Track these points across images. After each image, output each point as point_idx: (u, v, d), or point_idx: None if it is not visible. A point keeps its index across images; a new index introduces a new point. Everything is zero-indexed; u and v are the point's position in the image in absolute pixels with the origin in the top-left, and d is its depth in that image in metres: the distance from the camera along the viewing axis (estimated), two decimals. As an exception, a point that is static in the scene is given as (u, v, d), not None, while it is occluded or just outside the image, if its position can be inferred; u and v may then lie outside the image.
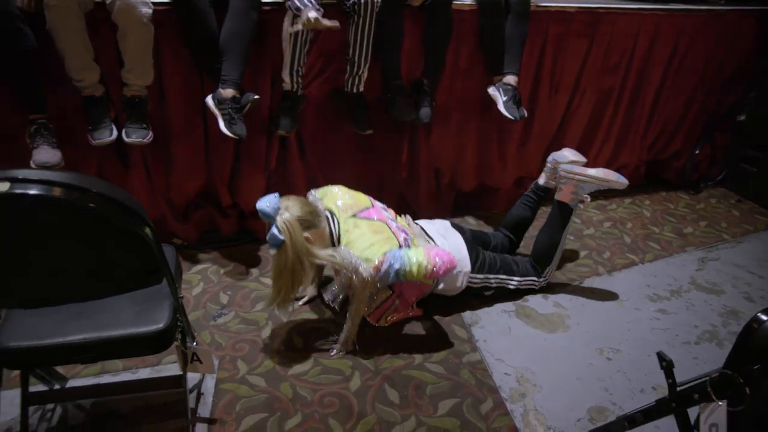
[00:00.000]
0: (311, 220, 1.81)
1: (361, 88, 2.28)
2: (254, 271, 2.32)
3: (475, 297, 2.18)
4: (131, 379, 1.77)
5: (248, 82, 2.15)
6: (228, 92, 2.04)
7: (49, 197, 1.03)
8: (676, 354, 1.96)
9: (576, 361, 1.93)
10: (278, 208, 1.74)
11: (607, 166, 3.10)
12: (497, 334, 2.04)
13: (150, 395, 1.71)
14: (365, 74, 2.24)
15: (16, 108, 1.93)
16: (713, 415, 1.16)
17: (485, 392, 1.79)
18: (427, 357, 1.92)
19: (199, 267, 2.33)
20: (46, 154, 1.91)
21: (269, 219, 1.74)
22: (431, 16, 2.30)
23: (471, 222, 2.81)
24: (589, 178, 2.16)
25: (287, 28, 2.06)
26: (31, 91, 1.91)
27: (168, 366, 1.82)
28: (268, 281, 2.25)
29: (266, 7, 2.12)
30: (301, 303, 2.13)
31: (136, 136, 2.01)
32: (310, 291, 2.16)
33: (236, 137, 2.02)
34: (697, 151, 3.28)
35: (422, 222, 2.22)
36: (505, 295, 2.21)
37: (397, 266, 1.75)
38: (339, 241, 1.86)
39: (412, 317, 2.08)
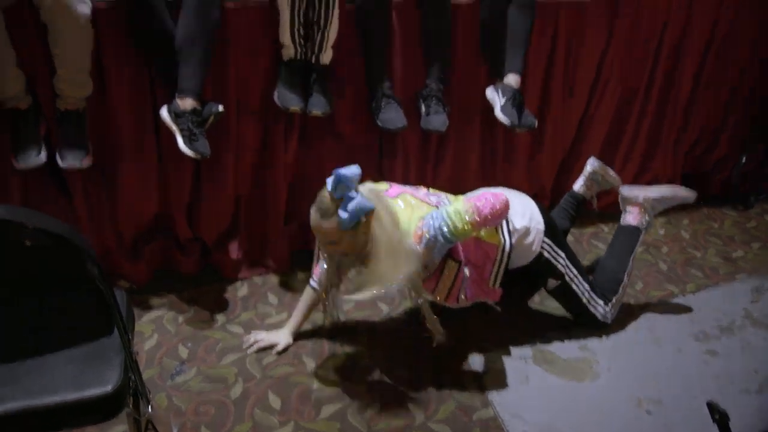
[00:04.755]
0: None
1: (326, 60, 2.29)
2: (219, 318, 2.31)
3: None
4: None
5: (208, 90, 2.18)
6: (187, 103, 2.07)
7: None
8: (733, 405, 1.92)
9: (609, 416, 1.94)
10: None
11: (636, 179, 3.19)
12: (513, 385, 2.05)
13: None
14: (334, 35, 2.25)
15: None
16: (780, 476, 1.17)
17: (502, 456, 1.79)
18: (431, 415, 1.92)
19: (153, 314, 2.32)
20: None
21: (346, 186, 1.76)
22: (427, 8, 2.37)
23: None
24: (658, 197, 2.40)
25: None
26: None
27: (114, 439, 1.80)
28: (236, 329, 2.26)
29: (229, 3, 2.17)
30: (275, 351, 2.14)
31: (73, 159, 2.01)
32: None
33: (198, 156, 2.05)
34: (745, 158, 3.35)
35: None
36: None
37: (437, 224, 1.82)
38: None
39: (490, 299, 2.10)
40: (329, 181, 1.77)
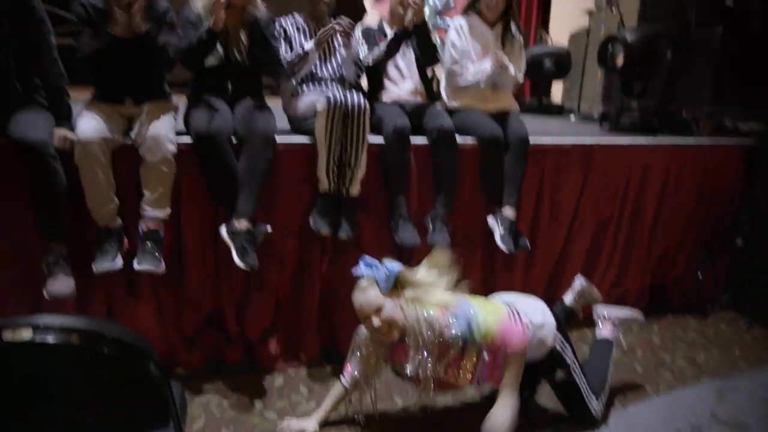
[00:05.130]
0: None
1: (355, 192, 2.33)
2: (258, 404, 2.23)
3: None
4: None
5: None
6: (242, 224, 2.11)
7: (68, 345, 1.04)
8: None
9: None
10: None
11: (611, 290, 3.14)
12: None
13: None
14: (362, 172, 2.31)
15: (36, 231, 1.98)
16: None
17: None
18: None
19: (203, 398, 2.24)
20: (60, 284, 1.93)
21: (374, 264, 1.81)
22: (437, 148, 2.46)
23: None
24: (623, 318, 2.43)
25: (319, 128, 2.19)
26: (56, 222, 1.97)
27: None
28: (272, 415, 2.17)
29: (280, 147, 2.26)
30: None
31: (148, 264, 2.02)
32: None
33: (248, 268, 2.06)
34: (699, 275, 3.30)
35: (493, 297, 2.18)
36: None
37: (466, 321, 1.76)
38: None
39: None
40: (360, 265, 1.82)
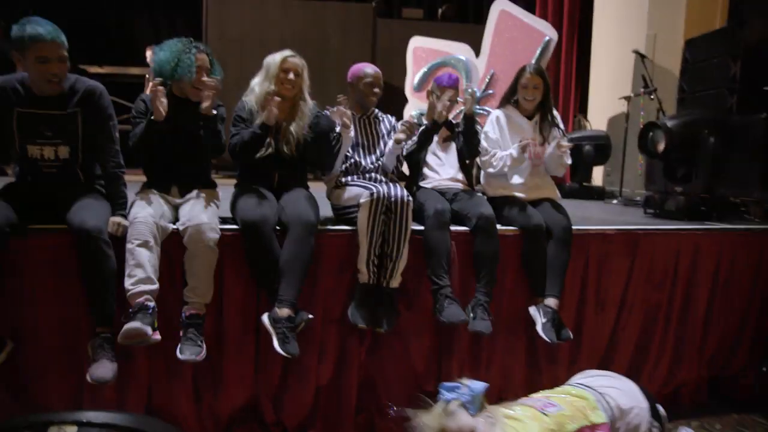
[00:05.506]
0: None
1: (395, 284, 2.32)
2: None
3: None
4: None
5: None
6: (284, 311, 2.11)
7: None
8: None
9: None
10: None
11: (665, 383, 2.95)
12: None
13: None
14: (403, 264, 2.30)
15: (86, 318, 2.05)
16: None
17: None
18: None
19: (236, 494, 2.16)
20: (103, 369, 1.96)
21: (453, 387, 1.70)
22: (478, 235, 2.45)
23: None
24: None
25: (362, 220, 2.24)
26: (105, 306, 2.03)
27: None
28: None
29: (323, 235, 2.30)
30: None
31: (190, 353, 2.04)
32: None
33: (289, 356, 2.04)
34: (764, 368, 3.07)
35: (576, 379, 2.07)
36: None
37: None
38: None
39: None
40: (443, 392, 1.70)
